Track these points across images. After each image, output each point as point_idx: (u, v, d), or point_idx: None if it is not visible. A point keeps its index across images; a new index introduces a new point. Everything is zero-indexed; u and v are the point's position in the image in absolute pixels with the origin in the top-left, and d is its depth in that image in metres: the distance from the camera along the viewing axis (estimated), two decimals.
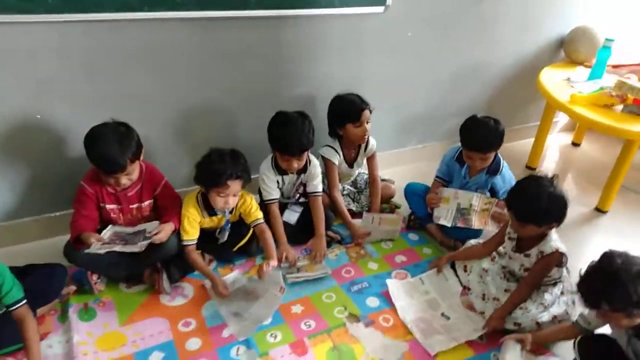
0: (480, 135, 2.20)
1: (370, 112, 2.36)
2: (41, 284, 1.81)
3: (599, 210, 2.83)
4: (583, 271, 1.53)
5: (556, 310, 1.90)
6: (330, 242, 2.35)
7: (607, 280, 1.43)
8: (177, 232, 2.02)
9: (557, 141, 3.67)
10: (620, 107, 2.58)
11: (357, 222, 2.42)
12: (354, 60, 2.56)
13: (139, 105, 2.15)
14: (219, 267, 2.18)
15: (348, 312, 1.98)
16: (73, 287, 1.93)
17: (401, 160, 3.06)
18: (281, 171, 2.26)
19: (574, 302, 1.96)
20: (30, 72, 1.89)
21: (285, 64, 2.40)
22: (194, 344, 1.80)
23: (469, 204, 2.32)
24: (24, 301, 1.61)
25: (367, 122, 2.35)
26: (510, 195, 1.90)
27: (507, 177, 2.37)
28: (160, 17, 1.97)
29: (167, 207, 2.05)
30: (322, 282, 2.13)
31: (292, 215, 2.36)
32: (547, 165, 3.40)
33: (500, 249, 2.11)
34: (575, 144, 3.69)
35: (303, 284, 2.10)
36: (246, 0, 2.09)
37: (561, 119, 3.70)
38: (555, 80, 2.93)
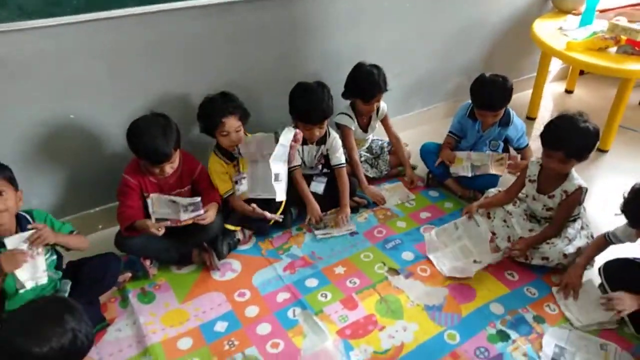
0: (491, 95, 2.32)
1: (386, 91, 2.45)
2: (97, 273, 1.90)
3: (600, 150, 2.99)
4: (626, 194, 1.67)
5: (579, 242, 2.06)
6: (357, 207, 2.49)
7: None
8: (219, 212, 2.13)
9: (550, 91, 3.81)
10: (614, 49, 2.71)
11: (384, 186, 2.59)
12: (357, 32, 2.64)
13: (166, 95, 2.22)
14: (258, 241, 2.30)
15: (387, 267, 2.13)
16: (128, 274, 2.04)
17: (409, 124, 3.17)
18: (302, 141, 2.36)
19: (592, 236, 2.12)
20: (60, 73, 1.95)
21: (296, 42, 2.48)
22: (252, 311, 1.93)
23: (481, 163, 2.47)
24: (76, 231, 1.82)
25: (378, 101, 2.47)
26: (555, 136, 1.94)
27: (519, 126, 2.50)
28: (180, 6, 2.03)
29: (206, 189, 2.16)
30: (357, 243, 2.27)
31: (319, 186, 2.47)
32: (545, 114, 3.54)
33: (520, 194, 2.25)
34: (568, 92, 3.84)
35: (335, 242, 2.27)
36: None
37: (553, 68, 3.83)
38: (549, 31, 3.04)
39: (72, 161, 2.16)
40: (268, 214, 2.18)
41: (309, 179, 2.48)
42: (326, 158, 2.48)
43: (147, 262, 2.07)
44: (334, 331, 1.83)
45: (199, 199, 2.01)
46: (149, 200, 1.96)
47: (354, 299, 1.97)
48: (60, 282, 1.78)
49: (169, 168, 1.96)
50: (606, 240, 1.90)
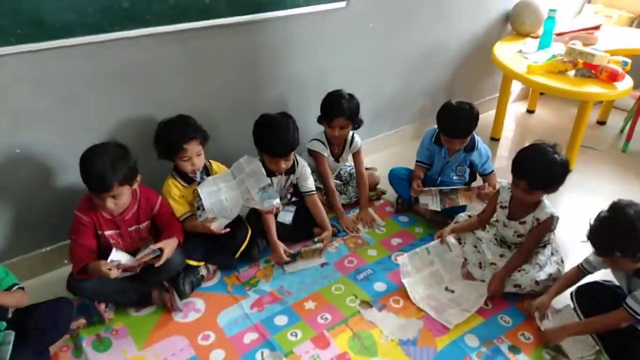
0: (458, 122, 2.32)
1: (354, 120, 2.41)
2: (48, 320, 1.75)
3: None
4: (592, 221, 1.66)
5: (550, 269, 2.05)
6: None
7: (623, 230, 1.56)
8: (179, 247, 2.02)
9: (513, 111, 3.88)
10: (572, 72, 2.77)
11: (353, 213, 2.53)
12: (321, 55, 2.61)
13: (121, 125, 2.11)
14: (224, 277, 2.19)
15: (359, 300, 2.06)
16: (82, 320, 1.89)
17: (377, 148, 3.15)
18: (269, 173, 2.29)
19: (562, 261, 2.12)
20: (4, 106, 1.81)
21: (259, 67, 2.42)
22: (217, 355, 1.81)
23: (451, 195, 2.45)
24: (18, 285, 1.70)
25: (342, 128, 2.41)
26: (520, 164, 1.95)
27: (484, 152, 2.50)
28: (132, 35, 1.94)
29: (167, 223, 2.04)
30: (328, 275, 2.19)
31: (287, 216, 2.39)
32: (508, 134, 3.60)
33: (497, 212, 2.23)
34: (530, 111, 3.92)
35: (305, 274, 2.19)
36: (216, 8, 2.09)
37: (514, 89, 3.91)
38: (509, 54, 3.10)
39: (19, 198, 2.01)
40: (215, 229, 2.04)
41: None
42: (295, 187, 2.41)
43: (102, 306, 1.93)
44: None
45: (150, 246, 1.91)
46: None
47: (326, 336, 1.88)
48: (1, 334, 1.62)
49: (111, 203, 1.81)
50: (580, 270, 1.88)
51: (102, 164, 1.75)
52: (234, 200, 2.09)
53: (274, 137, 2.15)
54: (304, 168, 2.37)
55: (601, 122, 3.71)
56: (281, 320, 1.96)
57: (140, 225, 2.02)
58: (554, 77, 2.75)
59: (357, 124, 2.44)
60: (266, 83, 2.48)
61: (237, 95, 2.40)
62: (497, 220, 2.20)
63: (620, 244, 1.56)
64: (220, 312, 2.00)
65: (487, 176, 2.52)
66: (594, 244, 1.64)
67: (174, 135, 2.01)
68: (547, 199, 2.03)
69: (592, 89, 2.64)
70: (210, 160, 2.22)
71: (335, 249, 2.35)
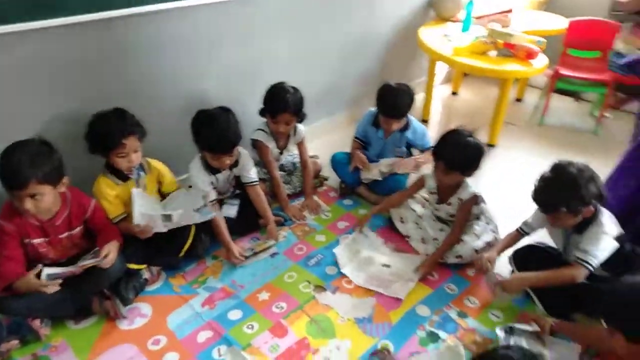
0: (397, 102, 2.38)
1: (297, 114, 2.39)
2: None
3: (490, 145, 3.22)
4: (536, 183, 1.76)
5: (487, 237, 2.17)
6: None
7: (567, 186, 1.67)
8: (119, 252, 1.89)
9: (439, 94, 4.05)
10: (494, 52, 2.94)
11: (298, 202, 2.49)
12: (253, 47, 2.54)
13: (51, 120, 1.96)
14: (169, 277, 2.09)
15: (313, 285, 2.05)
16: (14, 342, 1.71)
17: (315, 135, 3.14)
18: (214, 170, 2.21)
19: (496, 228, 2.24)
20: None
21: (187, 58, 2.32)
22: (171, 358, 1.73)
23: (387, 168, 2.53)
24: None
25: (287, 123, 2.39)
26: (439, 147, 2.09)
27: (418, 129, 2.59)
28: (48, 25, 1.78)
29: (102, 227, 1.91)
30: (279, 264, 2.16)
31: (231, 209, 2.33)
32: (436, 116, 3.75)
33: (428, 197, 2.33)
34: (454, 93, 4.12)
35: (256, 266, 2.15)
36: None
37: (438, 72, 4.08)
38: (434, 38, 3.22)
39: None
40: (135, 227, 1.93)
41: (219, 203, 2.32)
42: (237, 178, 2.35)
43: (37, 322, 1.76)
44: None
45: (95, 250, 1.79)
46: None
47: (283, 324, 1.86)
48: None
49: (30, 204, 1.64)
50: (519, 232, 2.00)
51: (20, 159, 1.60)
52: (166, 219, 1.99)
53: (214, 133, 2.06)
54: (246, 158, 2.31)
55: (519, 100, 3.98)
56: (235, 314, 1.91)
57: (73, 232, 1.87)
58: (478, 58, 2.90)
59: (301, 118, 2.42)
60: (196, 74, 2.38)
61: (166, 86, 2.28)
62: (430, 203, 2.31)
63: (565, 199, 1.68)
64: (169, 314, 1.90)
65: (428, 150, 2.60)
66: (540, 203, 1.76)
67: (111, 129, 1.87)
68: (469, 180, 2.15)
69: (513, 66, 2.82)
70: (147, 158, 2.10)
71: (284, 238, 2.33)
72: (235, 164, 2.27)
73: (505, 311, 1.95)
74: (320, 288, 2.03)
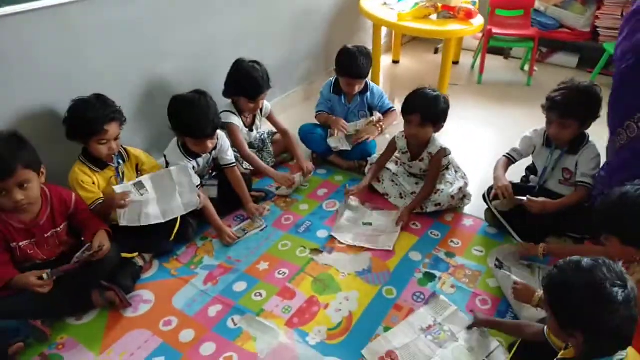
0: (357, 63, 2.48)
1: (269, 88, 2.42)
2: None
3: None
4: (561, 93, 1.92)
5: (458, 184, 2.36)
6: (257, 201, 2.42)
7: (587, 100, 1.87)
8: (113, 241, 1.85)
9: (381, 63, 4.20)
10: (435, 15, 3.12)
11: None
12: (202, 27, 2.51)
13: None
14: (163, 263, 2.07)
15: (308, 249, 2.12)
16: (20, 344, 1.63)
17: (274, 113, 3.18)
18: (194, 155, 2.20)
19: (465, 175, 2.43)
20: None
21: (136, 41, 2.26)
22: (187, 335, 1.74)
23: (354, 130, 2.63)
24: None
25: (261, 99, 2.42)
26: (412, 102, 2.22)
27: (376, 90, 2.72)
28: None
29: (88, 219, 1.86)
30: (270, 236, 2.21)
31: (212, 190, 2.32)
32: (383, 84, 3.92)
33: (400, 157, 2.47)
34: (395, 62, 4.30)
35: (248, 241, 2.18)
36: None
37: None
38: (375, 6, 3.35)
39: None
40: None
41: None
42: (215, 160, 2.35)
43: (39, 322, 1.69)
44: (282, 324, 1.77)
45: (88, 243, 1.75)
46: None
47: (290, 288, 1.93)
48: None
49: (20, 194, 1.57)
50: (508, 159, 2.18)
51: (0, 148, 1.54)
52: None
53: (196, 118, 2.04)
54: (223, 139, 2.31)
55: (455, 62, 4.24)
56: (240, 286, 1.94)
57: (58, 229, 1.80)
58: (421, 22, 3.07)
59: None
60: (152, 58, 2.33)
61: (116, 70, 2.18)
62: (403, 163, 2.45)
63: (583, 111, 1.89)
64: (173, 296, 1.90)
65: (388, 112, 2.74)
66: (561, 107, 1.91)
67: (94, 115, 1.82)
68: (435, 136, 2.33)
69: (455, 26, 3.02)
70: (125, 147, 2.05)
71: (269, 212, 2.37)
72: (215, 146, 2.26)
73: (487, 246, 2.14)
74: (316, 251, 2.11)
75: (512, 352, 1.55)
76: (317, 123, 2.75)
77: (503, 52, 4.31)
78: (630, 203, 1.41)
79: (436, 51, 4.49)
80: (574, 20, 3.83)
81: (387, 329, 1.74)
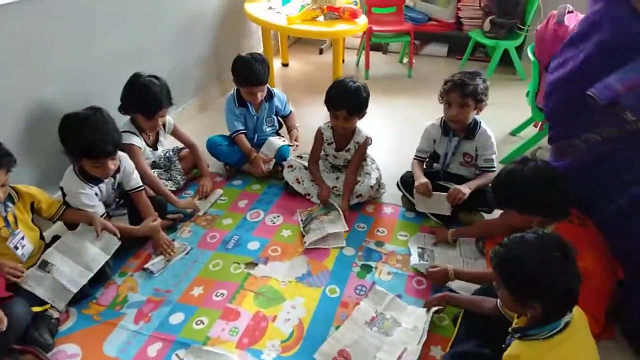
0: (257, 70, 2.44)
1: (171, 105, 2.28)
2: None
3: None
4: (456, 80, 2.09)
5: (375, 174, 2.45)
6: (174, 225, 2.27)
7: (475, 81, 2.06)
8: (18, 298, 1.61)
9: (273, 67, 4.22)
10: (322, 17, 3.21)
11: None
12: (84, 44, 2.29)
13: None
14: (82, 310, 1.84)
15: (243, 264, 2.05)
16: None
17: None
18: (95, 180, 1.98)
19: (378, 167, 2.54)
20: None
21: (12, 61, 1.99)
22: None
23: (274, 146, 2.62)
24: None
25: (162, 116, 2.28)
26: (336, 99, 2.25)
27: (280, 95, 2.73)
28: None
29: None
30: (198, 257, 2.10)
31: (121, 221, 2.12)
32: (277, 87, 3.93)
33: (326, 149, 2.50)
34: (284, 65, 4.33)
35: (174, 268, 2.05)
36: None
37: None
38: (261, 11, 3.35)
39: None
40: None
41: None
42: (120, 186, 2.15)
43: None
44: (232, 348, 1.68)
45: None
46: None
47: (232, 308, 1.84)
48: None
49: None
50: (419, 160, 2.35)
51: None
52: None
53: (94, 136, 1.84)
54: (126, 161, 2.12)
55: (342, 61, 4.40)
56: (177, 317, 1.81)
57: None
58: (310, 24, 3.13)
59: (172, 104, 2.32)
60: (34, 79, 2.06)
61: None
62: (327, 155, 2.49)
63: (476, 90, 2.06)
64: (102, 343, 1.70)
65: (288, 116, 2.76)
66: (463, 89, 2.06)
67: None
68: (359, 126, 2.40)
69: (343, 26, 3.13)
70: (13, 186, 1.78)
71: (190, 233, 2.24)
72: (117, 169, 2.07)
73: (409, 230, 2.27)
74: (251, 264, 2.05)
75: (458, 322, 1.66)
76: (225, 134, 2.66)
77: (381, 48, 4.59)
78: (518, 179, 1.61)
79: (321, 52, 4.62)
80: (439, 12, 4.21)
81: (338, 328, 1.75)
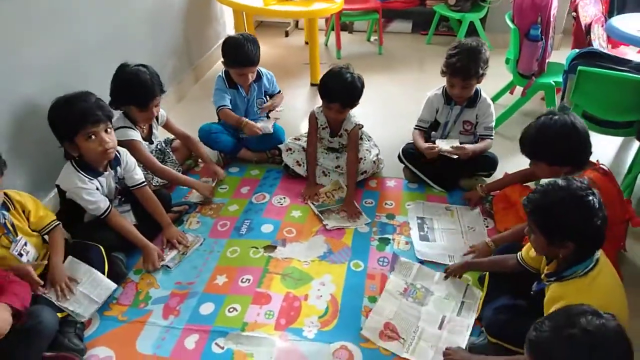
0: (245, 51, 2.39)
1: (163, 92, 2.19)
2: None
3: (314, 85, 3.53)
4: (456, 56, 2.14)
5: (375, 150, 2.49)
6: (180, 217, 2.21)
7: (477, 57, 2.12)
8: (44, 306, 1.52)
9: None
10: None
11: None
12: (57, 37, 2.13)
13: None
14: (104, 311, 1.76)
15: (261, 248, 2.03)
16: None
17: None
18: (94, 172, 1.89)
19: (375, 143, 2.57)
20: None
21: None
22: None
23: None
24: None
25: (156, 105, 2.18)
26: (331, 92, 2.24)
27: (268, 75, 2.65)
28: None
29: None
30: (213, 247, 2.06)
31: (128, 216, 2.04)
32: None
33: (320, 134, 2.48)
34: None
35: (191, 260, 2.00)
36: None
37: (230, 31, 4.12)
38: None
39: None
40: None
41: None
42: (121, 181, 2.05)
43: None
44: (272, 330, 1.68)
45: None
46: None
47: (261, 292, 1.83)
48: None
49: None
50: (420, 129, 2.40)
51: None
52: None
53: (83, 104, 1.77)
54: (127, 156, 2.03)
55: (308, 43, 4.37)
56: (207, 308, 1.77)
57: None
58: (286, 3, 3.10)
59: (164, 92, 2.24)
60: (10, 76, 1.91)
61: None
62: (322, 138, 2.49)
63: (478, 67, 2.14)
64: (134, 342, 1.65)
65: (276, 95, 2.72)
66: (464, 70, 2.13)
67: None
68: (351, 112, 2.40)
69: (321, 5, 3.12)
70: (5, 191, 1.65)
71: (199, 224, 2.19)
72: (118, 162, 1.98)
73: (414, 199, 2.33)
74: (270, 247, 2.03)
75: (485, 283, 1.73)
76: (216, 121, 2.60)
77: (347, 28, 4.60)
78: (549, 131, 1.68)
79: (287, 34, 4.57)
80: None
81: (371, 299, 1.79)
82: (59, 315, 1.61)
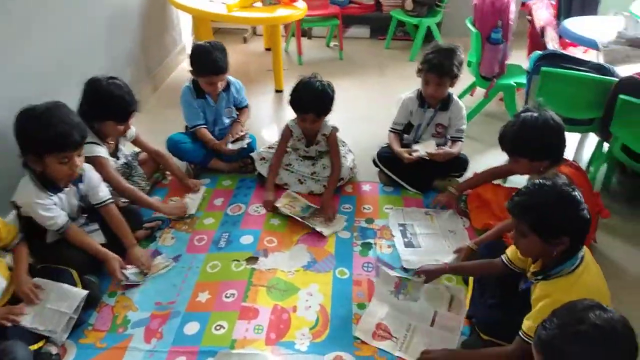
0: (214, 59, 2.33)
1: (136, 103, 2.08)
2: None
3: (279, 91, 3.50)
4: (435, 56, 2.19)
5: (350, 156, 2.50)
6: (152, 233, 2.11)
7: (452, 57, 2.17)
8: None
9: None
10: (259, 3, 3.13)
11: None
12: (9, 53, 2.01)
13: None
14: (79, 339, 1.65)
15: (243, 260, 1.97)
16: None
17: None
18: (55, 189, 1.77)
19: (350, 150, 2.57)
20: None
21: None
22: None
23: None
24: None
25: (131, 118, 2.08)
26: (303, 103, 2.23)
27: (238, 85, 2.59)
28: None
29: None
30: (191, 263, 1.97)
31: (98, 236, 1.92)
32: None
33: (296, 145, 2.45)
34: None
35: (167, 277, 1.91)
36: None
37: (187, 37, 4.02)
38: (194, 1, 3.17)
39: None
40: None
41: None
42: (83, 198, 1.93)
43: None
44: (263, 346, 1.63)
45: None
46: None
47: (248, 306, 1.77)
48: None
49: None
50: (395, 132, 2.42)
51: None
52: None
53: (59, 125, 1.64)
54: (91, 172, 1.91)
55: (268, 49, 4.33)
56: (192, 327, 1.69)
57: None
58: (250, 10, 3.05)
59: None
60: None
61: None
62: (297, 148, 2.45)
63: (452, 66, 2.18)
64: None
65: (243, 109, 2.65)
66: (441, 69, 2.17)
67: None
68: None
69: (284, 11, 3.09)
70: None
71: (174, 240, 2.10)
72: (80, 178, 1.86)
73: (392, 203, 2.34)
74: (252, 259, 1.98)
75: (470, 282, 1.76)
76: (184, 132, 2.51)
77: (306, 33, 4.59)
78: (532, 128, 1.73)
79: (245, 40, 4.51)
80: None
81: (360, 306, 1.77)
82: (32, 347, 1.49)
